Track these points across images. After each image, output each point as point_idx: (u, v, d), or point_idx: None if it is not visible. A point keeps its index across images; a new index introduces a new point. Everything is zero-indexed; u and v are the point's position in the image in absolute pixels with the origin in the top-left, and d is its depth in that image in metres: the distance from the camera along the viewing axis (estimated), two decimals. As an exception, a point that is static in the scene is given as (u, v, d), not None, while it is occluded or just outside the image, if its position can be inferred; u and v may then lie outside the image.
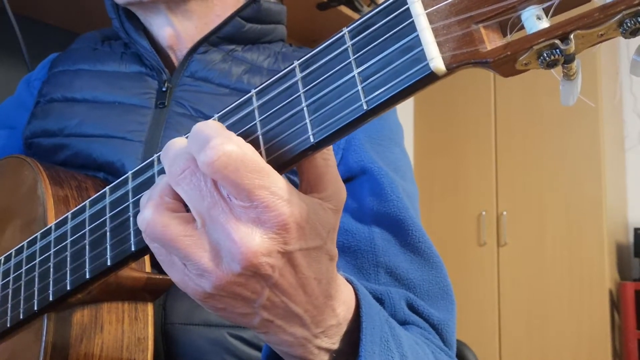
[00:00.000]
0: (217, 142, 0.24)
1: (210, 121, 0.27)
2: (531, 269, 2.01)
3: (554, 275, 1.97)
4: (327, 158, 0.28)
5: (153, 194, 0.28)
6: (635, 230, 2.05)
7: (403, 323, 0.45)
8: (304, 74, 0.26)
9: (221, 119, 0.29)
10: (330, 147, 0.27)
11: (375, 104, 0.23)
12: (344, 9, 1.39)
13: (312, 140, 0.25)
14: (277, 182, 0.25)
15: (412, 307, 0.46)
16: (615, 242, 2.02)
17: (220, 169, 0.24)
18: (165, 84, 0.55)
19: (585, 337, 1.88)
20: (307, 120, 0.25)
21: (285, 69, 0.27)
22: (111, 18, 0.60)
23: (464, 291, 2.07)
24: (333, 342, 0.31)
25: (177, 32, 0.57)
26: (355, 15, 1.43)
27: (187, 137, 0.31)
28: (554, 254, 1.98)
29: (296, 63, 0.26)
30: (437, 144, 2.25)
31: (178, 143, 0.28)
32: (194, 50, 0.56)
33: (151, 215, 0.27)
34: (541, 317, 1.98)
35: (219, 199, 0.25)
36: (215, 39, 0.57)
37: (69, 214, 0.38)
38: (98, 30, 0.66)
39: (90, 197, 0.48)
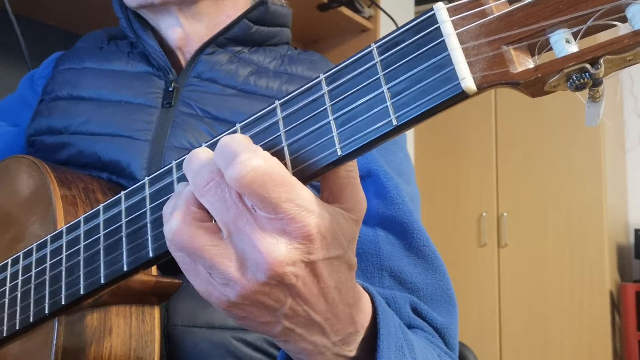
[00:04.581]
0: (245, 157, 0.25)
1: (237, 135, 0.27)
2: (532, 270, 2.03)
3: (554, 276, 1.98)
4: (351, 170, 0.28)
5: (178, 203, 0.28)
6: (636, 231, 2.06)
7: (408, 327, 0.45)
8: (330, 87, 0.26)
9: (244, 129, 0.29)
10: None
11: (405, 120, 0.24)
12: (344, 10, 1.39)
13: (339, 153, 0.25)
14: (303, 194, 0.26)
15: (416, 311, 0.47)
16: (615, 243, 2.03)
17: (248, 184, 0.25)
18: (172, 84, 0.55)
19: (585, 338, 1.90)
20: (334, 134, 0.26)
21: (311, 81, 0.27)
22: (119, 17, 0.60)
23: (464, 292, 2.07)
24: (350, 349, 0.32)
25: (186, 33, 0.57)
26: (356, 17, 1.43)
27: (206, 144, 0.31)
28: (554, 255, 1.99)
29: (322, 76, 0.27)
30: (438, 145, 2.26)
31: (202, 154, 0.28)
32: (201, 51, 0.56)
33: (178, 225, 0.27)
34: (542, 318, 1.99)
35: (244, 210, 0.26)
36: (223, 40, 0.57)
37: (81, 217, 0.38)
38: (103, 29, 0.66)
39: (96, 199, 0.49)
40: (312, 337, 0.30)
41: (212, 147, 0.31)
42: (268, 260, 0.25)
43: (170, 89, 0.55)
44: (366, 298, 0.33)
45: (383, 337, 0.32)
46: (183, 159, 0.32)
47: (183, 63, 0.58)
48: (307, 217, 0.25)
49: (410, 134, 2.33)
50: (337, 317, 0.30)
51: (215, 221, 0.28)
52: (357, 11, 1.44)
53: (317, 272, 0.27)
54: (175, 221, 0.27)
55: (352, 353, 0.32)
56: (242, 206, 0.26)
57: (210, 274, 0.27)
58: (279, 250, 0.25)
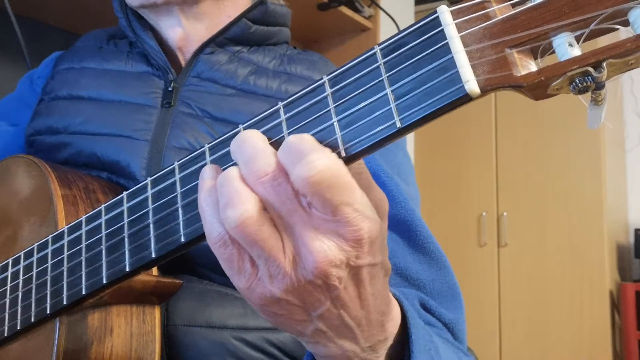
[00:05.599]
0: (315, 157, 0.24)
1: (305, 135, 0.26)
2: (531, 269, 2.03)
3: (554, 276, 1.98)
4: (361, 169, 0.28)
5: (239, 189, 0.26)
6: (636, 231, 2.07)
7: None
8: (334, 89, 0.26)
9: (247, 129, 0.29)
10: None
11: (409, 122, 0.24)
12: (344, 9, 1.39)
13: (343, 155, 0.26)
14: (361, 199, 0.25)
15: (425, 307, 0.47)
16: (615, 243, 2.04)
17: (314, 184, 0.24)
18: (172, 84, 0.55)
19: (585, 338, 1.90)
20: (338, 136, 0.26)
21: (314, 83, 0.27)
22: (118, 17, 0.60)
23: (464, 292, 2.06)
24: (378, 355, 0.32)
25: (187, 33, 0.56)
26: (356, 16, 1.43)
27: (209, 145, 0.31)
28: (554, 254, 1.99)
29: (326, 78, 0.27)
30: (438, 145, 2.26)
31: (255, 139, 0.27)
32: (200, 50, 0.56)
33: (251, 212, 0.25)
34: (541, 317, 2.00)
35: (298, 207, 0.25)
36: (222, 39, 0.57)
37: (83, 218, 0.38)
38: (103, 28, 0.66)
39: (97, 199, 0.49)
40: (342, 342, 0.29)
41: (216, 146, 0.31)
42: (317, 259, 0.25)
43: (170, 88, 0.55)
44: (396, 306, 0.34)
45: (415, 342, 0.33)
46: (185, 160, 0.32)
47: (182, 63, 0.58)
48: (362, 222, 0.25)
49: (410, 133, 2.32)
50: (370, 323, 0.30)
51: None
52: (357, 11, 1.44)
53: (360, 278, 0.27)
54: (250, 207, 0.25)
55: (381, 359, 0.32)
56: (298, 203, 0.25)
57: (258, 267, 0.27)
58: (329, 250, 0.25)
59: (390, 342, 0.32)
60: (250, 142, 0.27)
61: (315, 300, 0.27)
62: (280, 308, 0.28)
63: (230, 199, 0.26)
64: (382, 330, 0.31)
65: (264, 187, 0.26)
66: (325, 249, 0.25)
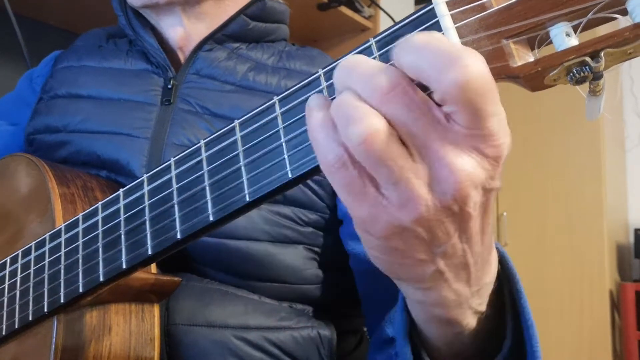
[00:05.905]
0: (471, 61, 0.21)
1: (445, 38, 0.23)
2: (531, 269, 2.03)
3: (554, 276, 1.98)
4: None
5: (361, 106, 0.23)
6: (636, 231, 2.07)
7: None
8: (329, 82, 0.26)
9: (242, 125, 0.29)
10: None
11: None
12: (344, 9, 1.39)
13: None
14: (503, 112, 0.23)
15: None
16: (615, 243, 2.03)
17: (469, 90, 0.21)
18: (171, 81, 0.55)
19: (585, 337, 1.90)
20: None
21: (309, 77, 0.27)
22: (117, 15, 0.60)
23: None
24: (481, 302, 0.30)
25: (187, 32, 0.57)
26: (356, 16, 1.43)
27: (205, 140, 0.30)
28: (554, 254, 1.99)
29: (321, 72, 0.27)
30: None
31: (367, 58, 0.24)
32: (199, 47, 0.56)
33: (378, 127, 0.22)
34: (541, 317, 1.99)
35: (434, 121, 0.22)
36: (221, 36, 0.57)
37: (80, 215, 0.38)
38: (103, 27, 0.66)
39: (95, 197, 0.48)
40: (457, 284, 0.27)
41: (212, 141, 0.31)
42: (460, 178, 0.22)
43: (169, 86, 0.55)
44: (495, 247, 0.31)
45: (519, 284, 0.32)
46: (181, 156, 0.32)
47: (182, 61, 0.58)
48: (504, 137, 0.22)
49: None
50: (483, 261, 0.27)
51: None
52: (357, 11, 1.44)
53: (487, 205, 0.25)
54: (377, 121, 0.22)
55: (483, 307, 0.30)
56: (433, 116, 0.22)
57: (385, 193, 0.24)
58: (471, 169, 0.22)
59: (493, 286, 0.30)
60: (363, 61, 0.24)
61: (443, 233, 0.24)
62: (403, 242, 0.25)
63: (352, 116, 0.23)
64: (490, 271, 0.29)
65: (394, 103, 0.22)
66: (467, 167, 0.22)
